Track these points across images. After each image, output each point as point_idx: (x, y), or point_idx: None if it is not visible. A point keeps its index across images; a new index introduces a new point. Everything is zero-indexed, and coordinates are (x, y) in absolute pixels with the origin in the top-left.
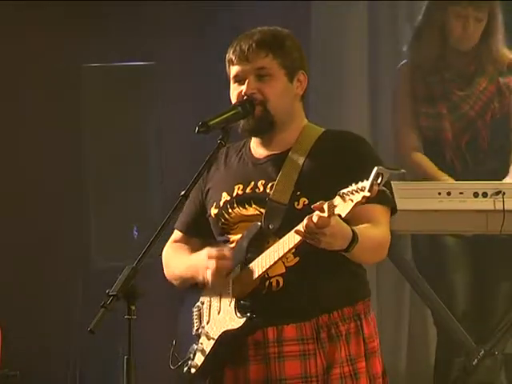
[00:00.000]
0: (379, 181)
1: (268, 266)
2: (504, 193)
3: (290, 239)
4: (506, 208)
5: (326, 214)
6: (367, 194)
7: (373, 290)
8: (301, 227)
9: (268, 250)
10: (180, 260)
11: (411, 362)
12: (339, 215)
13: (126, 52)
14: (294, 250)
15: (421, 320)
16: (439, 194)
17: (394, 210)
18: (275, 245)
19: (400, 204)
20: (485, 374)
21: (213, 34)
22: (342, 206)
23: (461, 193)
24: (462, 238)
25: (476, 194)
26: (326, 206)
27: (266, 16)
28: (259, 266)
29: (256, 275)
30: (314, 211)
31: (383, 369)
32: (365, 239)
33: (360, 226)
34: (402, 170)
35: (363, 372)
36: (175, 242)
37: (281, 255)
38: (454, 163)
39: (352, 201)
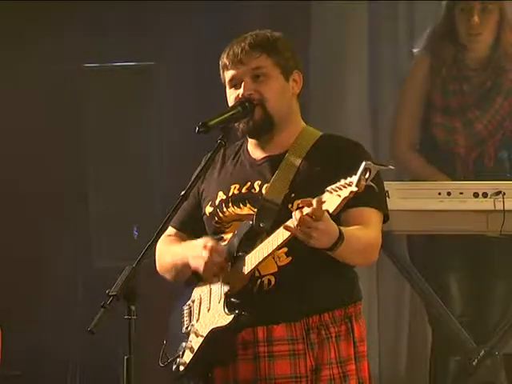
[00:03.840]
0: (367, 176)
1: (257, 263)
2: (504, 193)
3: (279, 236)
4: (506, 208)
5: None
6: (354, 188)
7: (373, 290)
8: (290, 223)
9: (258, 248)
10: (175, 248)
11: (411, 362)
12: (327, 211)
13: (126, 52)
14: (286, 250)
15: (421, 320)
16: (439, 194)
17: (386, 218)
18: (264, 242)
19: (400, 204)
20: (485, 374)
21: (213, 34)
22: (330, 202)
23: (461, 193)
24: (460, 238)
25: (476, 194)
26: (314, 202)
27: (266, 16)
28: (249, 263)
29: (245, 272)
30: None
31: (369, 374)
32: (352, 239)
33: (349, 227)
34: (390, 166)
35: (353, 374)
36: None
37: (269, 252)
38: (462, 177)
39: (340, 196)
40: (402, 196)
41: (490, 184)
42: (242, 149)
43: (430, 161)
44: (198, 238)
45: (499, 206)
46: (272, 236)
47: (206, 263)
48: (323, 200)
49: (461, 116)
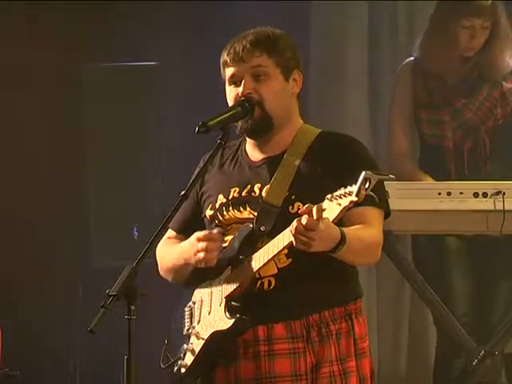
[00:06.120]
0: (367, 186)
1: (259, 267)
2: (504, 193)
3: (281, 241)
4: (505, 208)
5: (314, 218)
6: (354, 198)
7: (373, 290)
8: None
9: (259, 251)
10: (172, 250)
11: (411, 362)
12: (327, 219)
13: (127, 52)
14: (286, 252)
15: (421, 320)
16: (439, 194)
17: (387, 215)
18: (266, 246)
19: (400, 204)
20: (485, 374)
21: (213, 34)
22: (330, 210)
23: (461, 193)
24: (462, 238)
25: (476, 194)
26: (314, 210)
27: (266, 16)
28: (251, 266)
29: (247, 275)
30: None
31: (372, 371)
32: (353, 241)
33: (352, 227)
34: (391, 175)
35: (353, 371)
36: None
37: (271, 256)
38: (454, 170)
39: (340, 205)
40: (401, 196)
41: (490, 184)
42: (240, 150)
43: (422, 158)
44: None
45: (499, 206)
46: (274, 240)
47: (205, 252)
48: (323, 208)
49: (448, 108)
